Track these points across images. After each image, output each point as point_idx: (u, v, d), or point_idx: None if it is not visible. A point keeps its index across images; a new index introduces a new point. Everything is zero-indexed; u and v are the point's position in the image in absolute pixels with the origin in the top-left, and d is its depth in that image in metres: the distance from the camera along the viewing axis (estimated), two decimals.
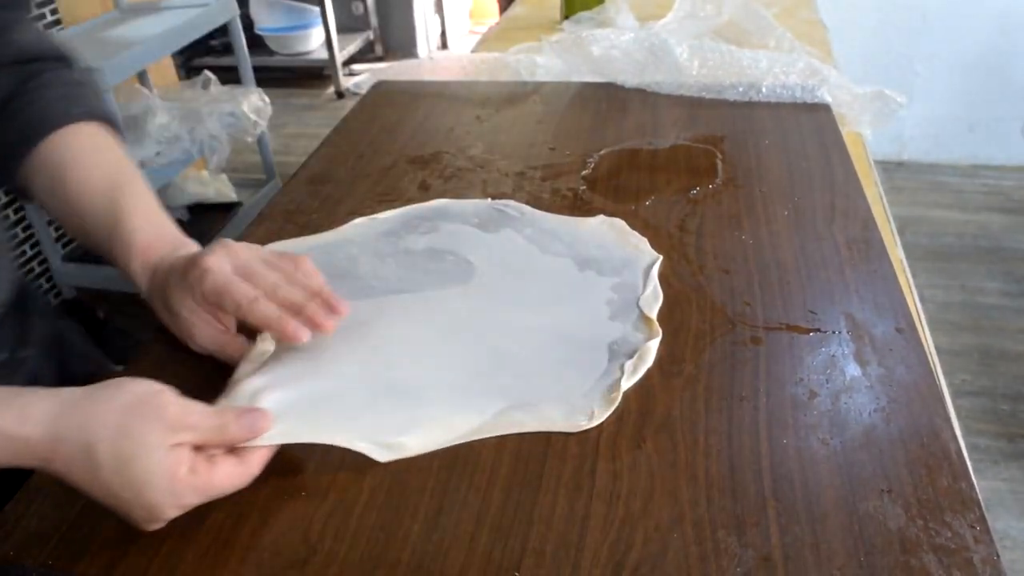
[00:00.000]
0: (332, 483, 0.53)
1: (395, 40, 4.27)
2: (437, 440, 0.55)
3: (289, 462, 0.54)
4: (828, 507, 0.49)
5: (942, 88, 2.88)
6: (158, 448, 0.47)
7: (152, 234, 0.66)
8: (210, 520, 0.51)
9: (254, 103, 2.39)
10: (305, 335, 0.57)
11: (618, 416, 0.57)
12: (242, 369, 0.59)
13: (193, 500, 0.49)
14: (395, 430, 0.56)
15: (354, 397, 0.58)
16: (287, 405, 0.55)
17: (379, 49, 4.27)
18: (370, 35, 4.18)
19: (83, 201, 0.67)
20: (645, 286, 0.69)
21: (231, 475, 0.50)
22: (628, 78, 1.11)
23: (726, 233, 0.76)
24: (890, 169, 2.99)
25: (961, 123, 2.94)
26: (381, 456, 0.54)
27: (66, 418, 0.47)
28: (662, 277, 0.71)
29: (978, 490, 0.51)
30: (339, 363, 0.60)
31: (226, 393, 0.57)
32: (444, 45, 4.40)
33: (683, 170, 0.88)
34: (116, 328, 2.15)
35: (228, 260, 0.60)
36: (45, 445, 0.47)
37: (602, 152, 0.94)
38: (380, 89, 1.16)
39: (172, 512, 0.49)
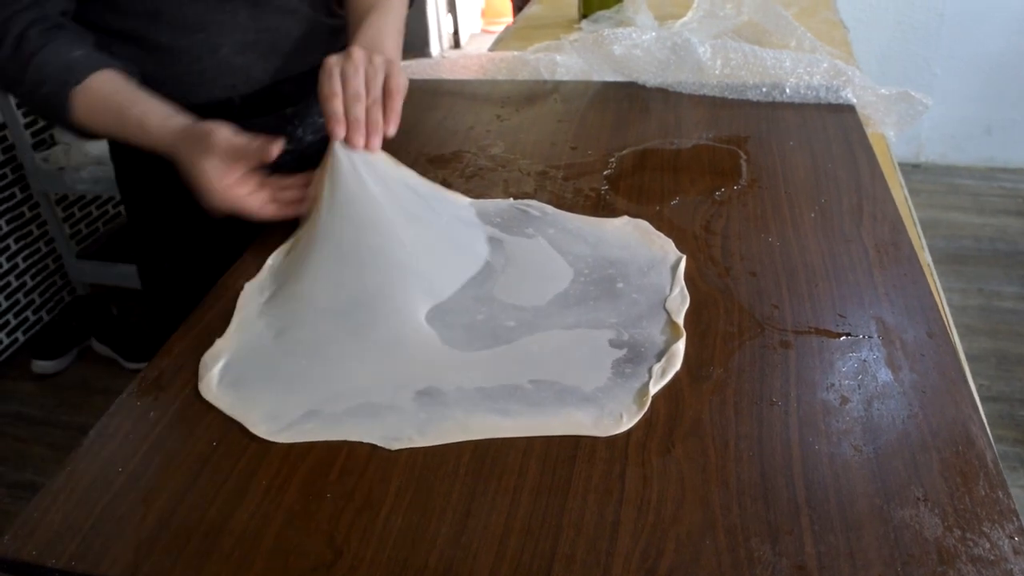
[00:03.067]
0: (357, 485, 0.52)
1: (407, 39, 4.25)
2: (455, 436, 0.55)
3: (314, 465, 0.54)
4: (863, 515, 0.48)
5: (960, 89, 2.86)
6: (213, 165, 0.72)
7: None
8: (235, 521, 0.50)
9: None
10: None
11: (647, 420, 0.56)
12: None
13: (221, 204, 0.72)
14: (414, 429, 0.56)
15: (373, 396, 0.59)
16: (307, 406, 0.58)
17: None
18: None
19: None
20: (671, 288, 0.68)
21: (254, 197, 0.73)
22: (649, 77, 1.10)
23: (752, 235, 0.76)
24: (907, 171, 2.98)
25: (979, 125, 2.92)
26: (390, 444, 0.54)
27: (182, 131, 0.74)
28: (688, 279, 0.70)
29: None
30: (354, 361, 0.61)
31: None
32: (456, 44, 4.39)
33: (707, 171, 0.88)
34: (129, 325, 2.15)
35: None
36: (169, 141, 0.74)
37: (624, 152, 0.93)
38: None
39: (219, 206, 0.72)
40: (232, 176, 0.72)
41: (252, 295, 0.70)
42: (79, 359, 2.17)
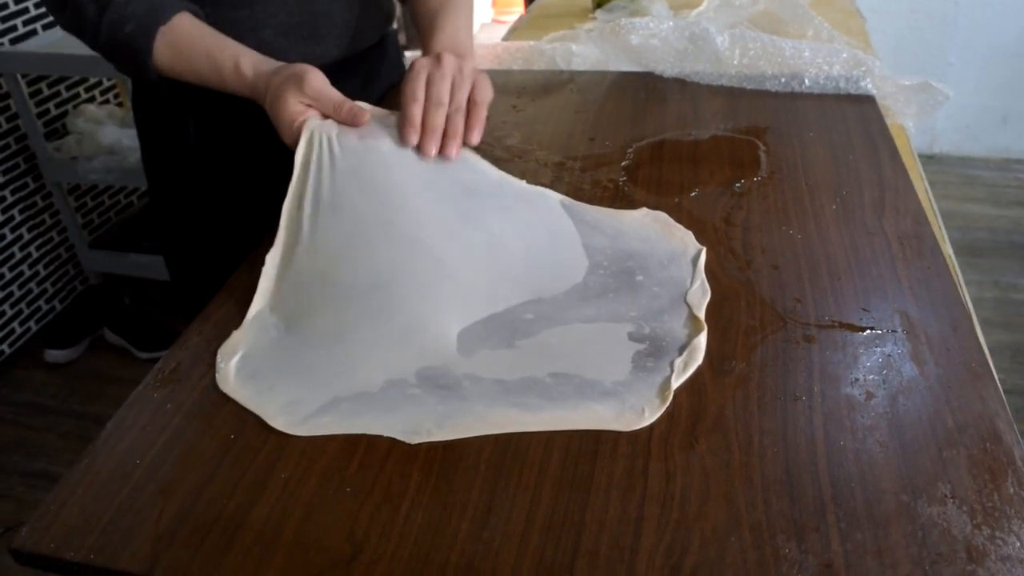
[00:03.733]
0: (376, 480, 0.52)
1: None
2: (475, 430, 0.55)
3: (333, 458, 0.54)
4: (890, 513, 0.48)
5: (975, 79, 2.83)
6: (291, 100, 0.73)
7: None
8: (254, 515, 0.50)
9: None
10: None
11: (669, 415, 0.55)
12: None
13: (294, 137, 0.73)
14: (433, 422, 0.55)
15: (393, 390, 0.58)
16: (325, 399, 0.57)
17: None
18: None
19: None
20: (692, 281, 0.68)
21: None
22: (667, 67, 1.09)
23: (773, 227, 0.75)
24: (921, 162, 2.95)
25: (994, 115, 2.89)
26: (410, 438, 0.54)
27: (279, 67, 0.75)
28: (709, 272, 0.69)
29: None
30: (373, 351, 0.61)
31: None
32: None
33: (726, 162, 0.87)
34: (142, 314, 2.15)
35: None
36: (265, 79, 0.75)
37: (642, 143, 0.92)
38: None
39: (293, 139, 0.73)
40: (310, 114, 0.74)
41: (271, 278, 0.69)
42: (91, 349, 2.18)
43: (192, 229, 0.97)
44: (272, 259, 0.69)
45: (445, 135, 0.73)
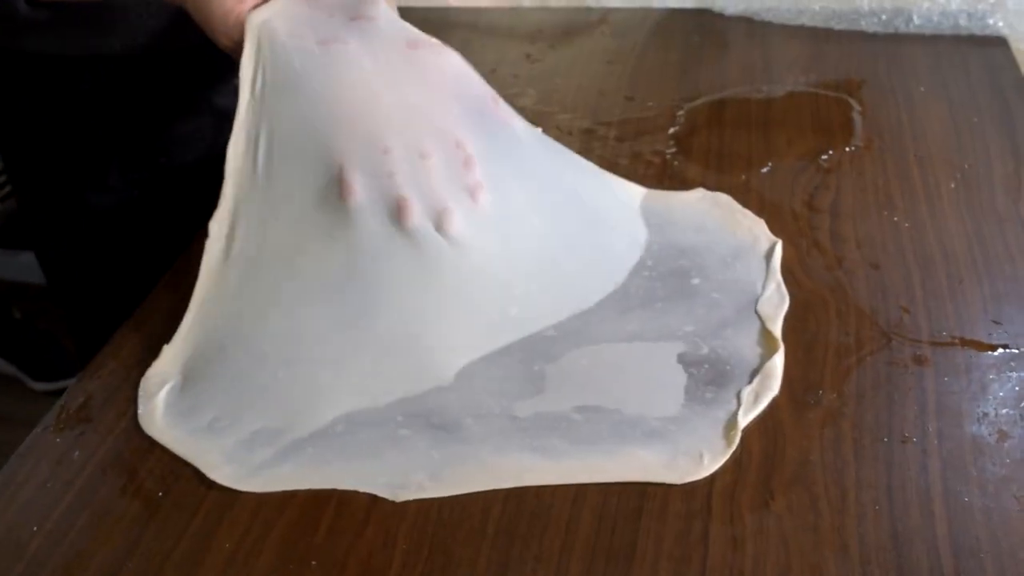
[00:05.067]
0: (351, 551, 0.52)
1: None
2: (479, 483, 0.55)
3: (294, 521, 0.53)
4: None
5: None
6: None
7: None
8: None
9: None
10: None
11: (735, 462, 0.55)
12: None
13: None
14: (426, 472, 0.55)
15: (373, 428, 0.58)
16: (284, 441, 0.57)
17: None
18: None
19: None
20: (765, 285, 0.68)
21: None
22: (728, 3, 1.09)
23: (872, 213, 0.75)
24: None
25: None
26: (396, 494, 0.54)
27: None
28: (786, 272, 0.69)
29: None
30: (347, 373, 0.61)
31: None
32: None
33: (808, 127, 0.87)
34: (38, 333, 2.15)
35: None
36: None
37: (696, 103, 0.92)
38: None
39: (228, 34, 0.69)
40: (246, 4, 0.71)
41: (217, 260, 0.67)
42: None
43: (65, 218, 0.95)
44: (218, 231, 0.66)
45: None
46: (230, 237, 0.66)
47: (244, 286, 0.65)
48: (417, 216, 0.62)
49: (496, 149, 0.67)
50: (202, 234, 0.67)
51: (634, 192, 0.76)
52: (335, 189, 0.63)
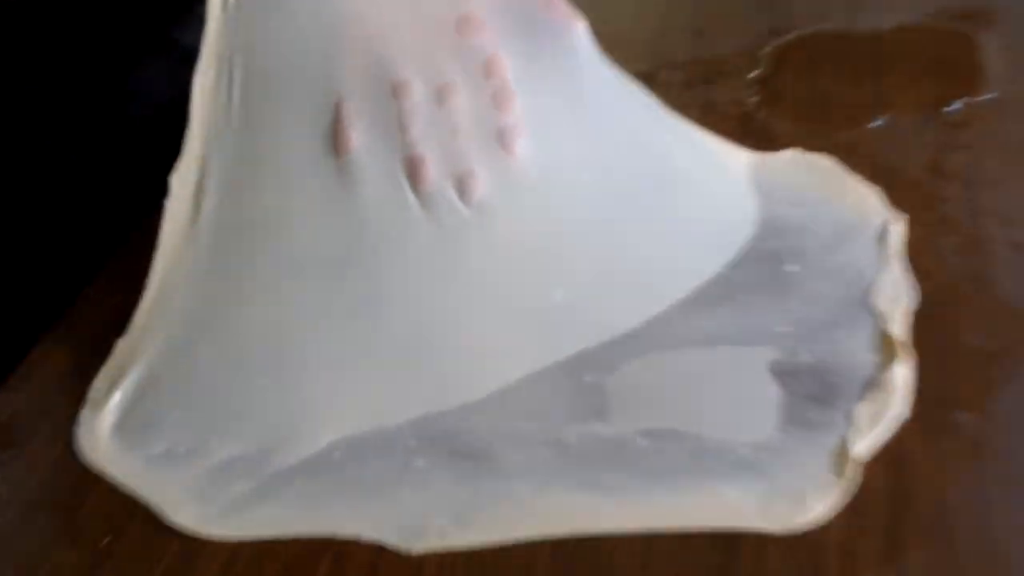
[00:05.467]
0: None
1: None
2: (517, 529, 0.51)
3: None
4: None
5: None
6: None
7: None
8: None
9: None
10: None
11: (850, 504, 0.50)
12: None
13: None
14: (449, 515, 0.52)
15: (380, 457, 0.56)
16: (265, 471, 0.55)
17: None
18: None
19: None
20: (880, 274, 0.64)
21: None
22: None
23: (1018, 180, 0.71)
24: None
25: None
26: (409, 543, 0.50)
27: None
28: (910, 257, 0.65)
29: None
30: (345, 379, 0.58)
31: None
32: None
33: (928, 69, 0.84)
34: None
35: None
36: None
37: (786, 39, 0.90)
38: None
39: None
40: None
41: (181, 224, 0.63)
42: None
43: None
44: (181, 188, 0.62)
45: None
46: (197, 196, 0.62)
47: (215, 261, 0.62)
48: (434, 178, 0.58)
49: (544, 74, 0.63)
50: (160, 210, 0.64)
51: (741, 159, 0.74)
52: (331, 138, 0.60)
